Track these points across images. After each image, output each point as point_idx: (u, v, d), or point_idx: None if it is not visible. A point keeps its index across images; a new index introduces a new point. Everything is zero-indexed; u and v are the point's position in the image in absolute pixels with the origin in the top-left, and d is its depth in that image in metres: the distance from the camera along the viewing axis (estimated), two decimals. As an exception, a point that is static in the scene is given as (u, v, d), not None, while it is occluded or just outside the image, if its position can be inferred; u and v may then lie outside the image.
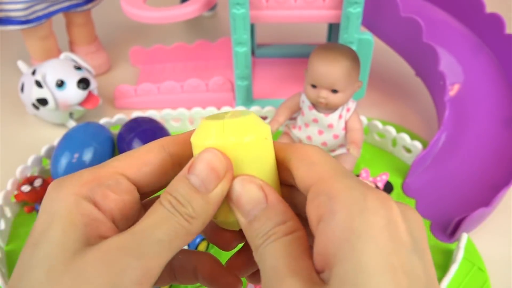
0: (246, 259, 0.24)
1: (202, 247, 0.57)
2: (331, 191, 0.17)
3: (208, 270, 0.24)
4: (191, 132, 0.22)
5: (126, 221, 0.21)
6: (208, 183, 0.19)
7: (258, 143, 0.21)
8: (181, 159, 0.22)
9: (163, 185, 0.23)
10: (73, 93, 0.72)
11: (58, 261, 0.17)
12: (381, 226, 0.16)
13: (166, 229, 0.18)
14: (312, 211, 0.18)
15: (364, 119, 0.72)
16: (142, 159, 0.21)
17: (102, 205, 0.20)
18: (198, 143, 0.21)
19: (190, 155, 0.22)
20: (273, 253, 0.18)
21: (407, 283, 0.15)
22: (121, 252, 0.17)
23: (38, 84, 0.72)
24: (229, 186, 0.20)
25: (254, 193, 0.20)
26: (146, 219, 0.19)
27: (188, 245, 0.55)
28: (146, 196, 0.24)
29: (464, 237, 0.56)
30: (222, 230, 0.24)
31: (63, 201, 0.19)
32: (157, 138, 0.23)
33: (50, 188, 0.20)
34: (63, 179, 0.20)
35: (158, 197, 0.21)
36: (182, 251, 0.24)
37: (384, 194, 0.17)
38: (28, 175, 0.66)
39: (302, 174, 0.20)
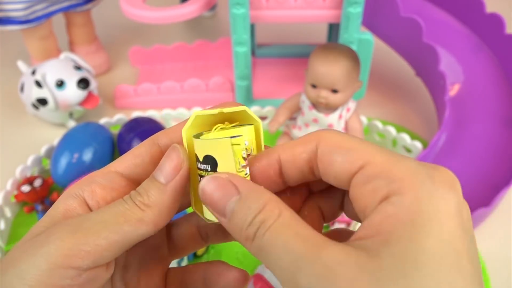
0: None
1: (200, 250, 0.57)
2: (392, 174, 0.17)
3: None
4: (182, 124, 0.23)
5: None
6: (166, 175, 0.21)
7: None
8: None
9: None
10: (73, 93, 0.72)
11: (26, 239, 0.20)
12: (450, 212, 0.16)
13: (113, 212, 0.20)
14: (364, 194, 0.17)
15: (364, 119, 0.72)
16: (133, 153, 0.23)
17: (90, 201, 0.21)
18: (183, 135, 0.22)
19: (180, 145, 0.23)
20: (279, 237, 0.17)
21: (471, 270, 0.15)
22: (61, 228, 0.19)
23: (38, 84, 0.72)
24: (185, 175, 0.21)
25: (222, 189, 0.19)
26: (103, 208, 0.21)
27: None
28: None
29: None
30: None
31: (57, 201, 0.22)
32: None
33: None
34: (72, 184, 0.23)
35: None
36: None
37: (450, 174, 0.17)
38: (28, 175, 0.66)
39: (339, 165, 0.19)
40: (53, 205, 0.22)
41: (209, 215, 0.22)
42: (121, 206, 0.20)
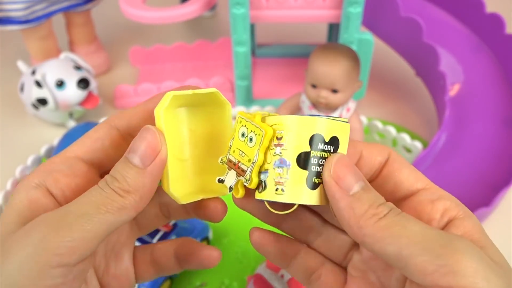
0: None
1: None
2: (453, 198, 0.21)
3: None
4: (137, 107, 0.23)
5: None
6: (144, 158, 0.20)
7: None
8: (130, 131, 0.23)
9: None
10: (73, 93, 0.72)
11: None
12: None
13: (92, 203, 0.19)
14: (431, 210, 0.21)
15: (364, 119, 0.72)
16: (92, 137, 0.22)
17: (54, 190, 0.21)
18: (157, 114, 0.21)
19: (138, 127, 0.22)
20: (415, 221, 0.19)
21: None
22: (42, 225, 0.19)
23: (38, 84, 0.72)
24: (165, 158, 0.21)
25: (354, 170, 0.21)
26: (79, 197, 0.20)
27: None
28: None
29: (464, 237, 0.56)
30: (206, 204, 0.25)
31: (17, 192, 0.21)
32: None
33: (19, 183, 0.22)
34: (29, 174, 0.22)
35: None
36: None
37: None
38: (28, 175, 0.66)
39: (405, 176, 0.22)
40: (12, 198, 0.20)
41: (185, 199, 0.22)
42: (99, 194, 0.19)
